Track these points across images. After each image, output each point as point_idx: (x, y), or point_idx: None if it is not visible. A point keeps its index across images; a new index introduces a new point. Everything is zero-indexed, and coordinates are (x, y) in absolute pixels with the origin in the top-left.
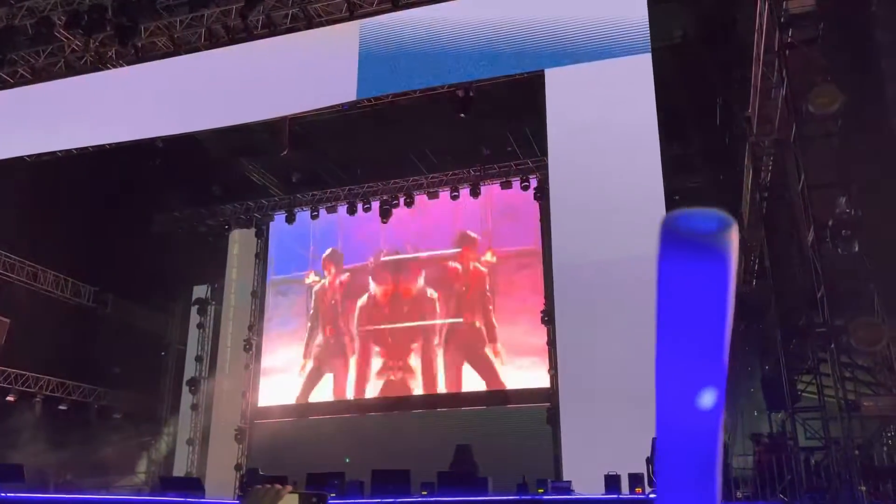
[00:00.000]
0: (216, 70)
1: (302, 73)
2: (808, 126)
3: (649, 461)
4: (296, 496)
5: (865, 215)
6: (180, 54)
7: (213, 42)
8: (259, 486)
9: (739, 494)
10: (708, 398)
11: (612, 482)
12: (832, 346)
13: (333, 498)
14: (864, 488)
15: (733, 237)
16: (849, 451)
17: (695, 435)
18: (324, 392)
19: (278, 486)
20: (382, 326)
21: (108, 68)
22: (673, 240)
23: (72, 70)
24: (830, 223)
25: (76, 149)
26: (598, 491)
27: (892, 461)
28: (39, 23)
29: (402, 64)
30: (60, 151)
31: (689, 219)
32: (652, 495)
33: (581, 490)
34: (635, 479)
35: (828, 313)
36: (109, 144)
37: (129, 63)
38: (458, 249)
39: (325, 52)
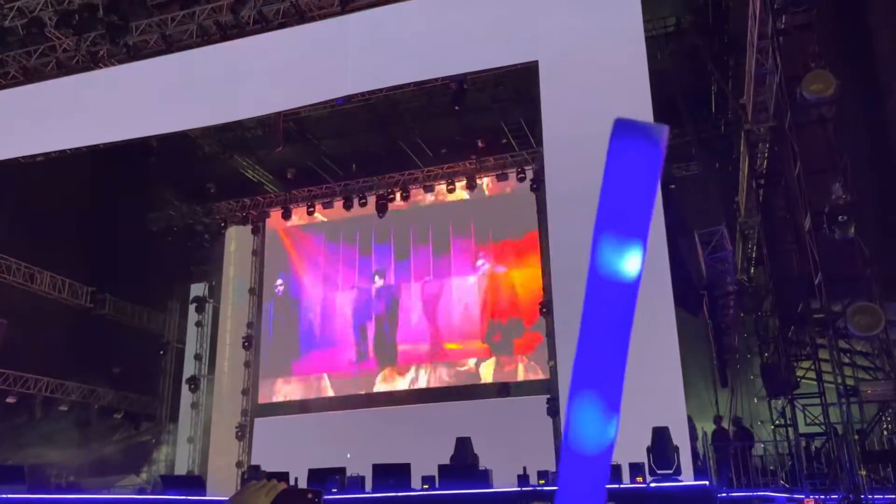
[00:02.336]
0: (208, 67)
1: (294, 69)
2: (802, 112)
3: (650, 451)
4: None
5: (861, 200)
6: (172, 52)
7: (205, 39)
8: (255, 480)
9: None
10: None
11: (612, 472)
12: (830, 331)
13: (335, 493)
14: (863, 473)
15: (665, 133)
16: (848, 436)
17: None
18: (324, 388)
19: (274, 481)
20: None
21: (101, 67)
22: (623, 127)
23: (64, 70)
24: (827, 209)
25: (70, 149)
26: None
27: (891, 445)
28: (30, 23)
29: (395, 57)
30: (54, 152)
31: (633, 120)
32: (653, 484)
33: None
34: (636, 469)
35: (825, 299)
36: (103, 144)
37: (122, 62)
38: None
39: (318, 47)
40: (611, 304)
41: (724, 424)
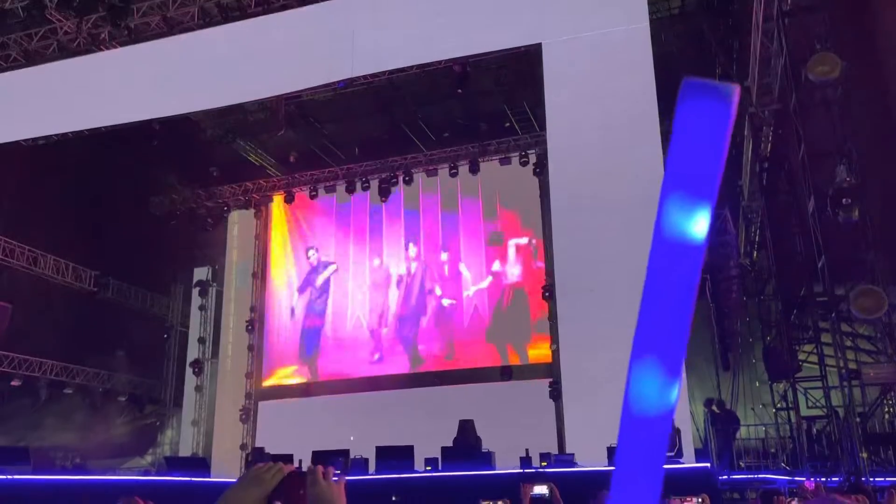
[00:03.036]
0: (210, 50)
1: (297, 51)
2: (807, 94)
3: None
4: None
5: (865, 183)
6: (174, 34)
7: (207, 21)
8: (261, 463)
9: (741, 464)
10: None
11: (614, 454)
12: (833, 314)
13: (338, 475)
14: (865, 455)
15: (736, 93)
16: (850, 418)
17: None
18: (329, 370)
19: (280, 464)
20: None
21: (102, 50)
22: (692, 87)
23: (65, 52)
24: (831, 192)
25: (72, 132)
26: (601, 463)
27: (892, 428)
28: (31, 4)
29: (398, 40)
30: (56, 135)
31: (704, 80)
32: None
33: (584, 462)
34: None
35: (829, 282)
36: (105, 127)
37: (123, 44)
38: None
39: (320, 30)
40: (677, 265)
41: (714, 408)
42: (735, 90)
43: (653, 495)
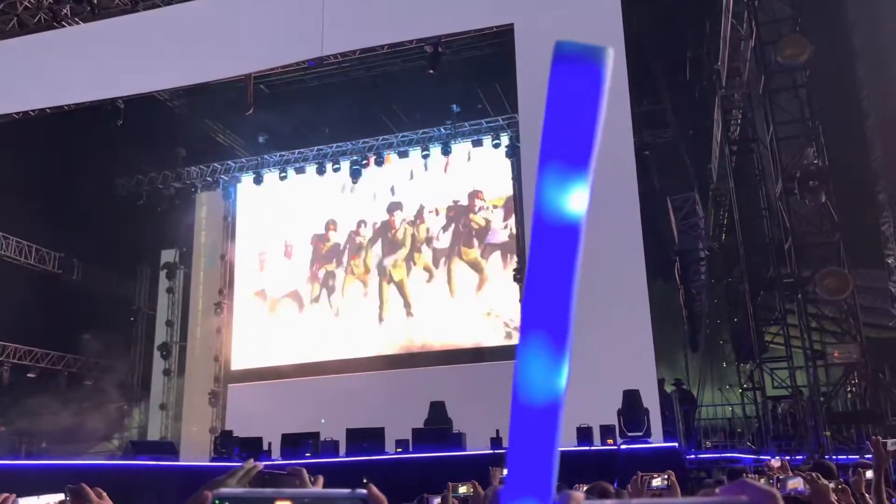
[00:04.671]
0: (176, 27)
1: (266, 29)
2: (776, 78)
3: (620, 413)
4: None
5: (832, 166)
6: (138, 11)
7: None
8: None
9: (708, 444)
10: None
11: (584, 434)
12: (799, 296)
13: (308, 458)
14: (828, 434)
15: (609, 54)
16: (814, 398)
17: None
18: (299, 353)
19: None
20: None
21: (64, 26)
22: (564, 50)
23: (25, 28)
24: (798, 174)
25: (33, 110)
26: (571, 443)
27: (855, 407)
28: None
29: (370, 19)
30: (17, 113)
31: (575, 42)
32: (623, 446)
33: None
34: (607, 431)
35: (795, 264)
36: (68, 105)
37: (86, 21)
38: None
39: (290, 7)
40: (555, 244)
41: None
42: (608, 51)
43: (545, 491)
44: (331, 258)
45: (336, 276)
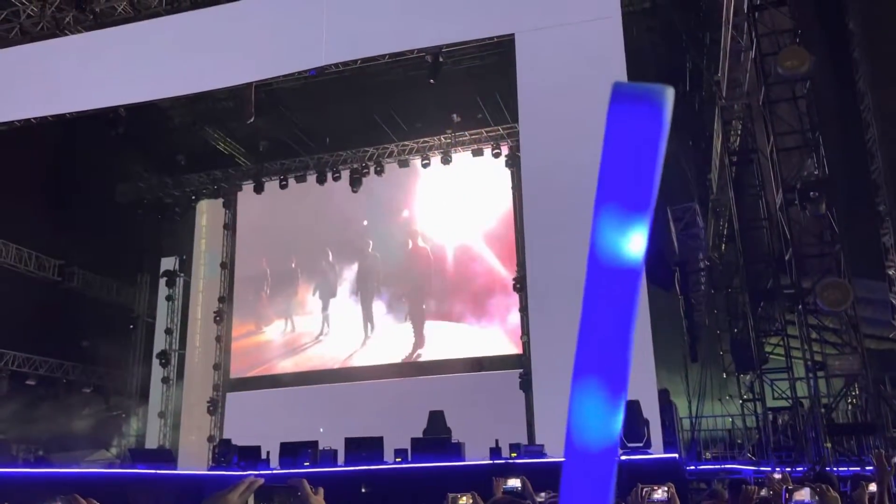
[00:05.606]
0: (178, 35)
1: (268, 38)
2: (776, 89)
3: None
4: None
5: (833, 177)
6: (141, 19)
7: (175, 6)
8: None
9: (708, 455)
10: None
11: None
12: (799, 307)
13: (307, 466)
14: (829, 445)
15: (669, 95)
16: (815, 409)
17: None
18: (298, 362)
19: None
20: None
21: (66, 34)
22: (622, 91)
23: (28, 36)
24: (798, 185)
25: (36, 118)
26: None
27: (855, 419)
28: None
29: (371, 28)
30: (18, 121)
31: (634, 83)
32: (623, 457)
33: (554, 453)
34: None
35: (795, 275)
36: (70, 113)
37: (88, 29)
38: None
39: (292, 17)
40: (613, 287)
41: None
42: (668, 91)
43: None
44: (330, 266)
45: (335, 284)
